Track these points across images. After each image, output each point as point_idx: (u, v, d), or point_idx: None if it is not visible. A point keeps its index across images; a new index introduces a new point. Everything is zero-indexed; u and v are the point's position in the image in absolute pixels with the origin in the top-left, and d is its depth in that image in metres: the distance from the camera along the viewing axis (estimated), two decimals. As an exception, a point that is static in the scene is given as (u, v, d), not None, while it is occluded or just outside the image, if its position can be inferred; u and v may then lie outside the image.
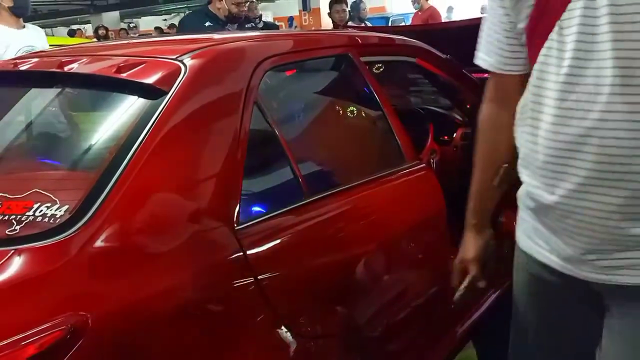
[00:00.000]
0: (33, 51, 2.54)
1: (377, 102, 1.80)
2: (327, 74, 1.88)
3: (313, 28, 10.79)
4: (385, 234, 1.61)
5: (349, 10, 5.62)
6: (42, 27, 3.51)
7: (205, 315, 1.13)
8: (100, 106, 1.54)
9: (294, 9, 13.70)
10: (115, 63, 1.31)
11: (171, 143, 1.18)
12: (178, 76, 1.25)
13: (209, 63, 1.36)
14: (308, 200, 1.41)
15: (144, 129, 1.15)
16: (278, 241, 1.29)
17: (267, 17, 12.67)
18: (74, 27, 12.25)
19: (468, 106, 2.50)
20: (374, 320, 1.57)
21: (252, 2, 6.22)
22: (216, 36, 1.74)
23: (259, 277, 1.20)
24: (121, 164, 1.10)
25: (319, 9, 11.41)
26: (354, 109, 1.95)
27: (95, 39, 11.61)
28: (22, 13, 3.02)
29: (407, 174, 1.76)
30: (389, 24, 11.40)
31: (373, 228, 1.58)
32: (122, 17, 18.36)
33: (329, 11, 5.53)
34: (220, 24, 3.47)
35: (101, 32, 11.66)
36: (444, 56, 2.28)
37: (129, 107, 1.29)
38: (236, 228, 1.19)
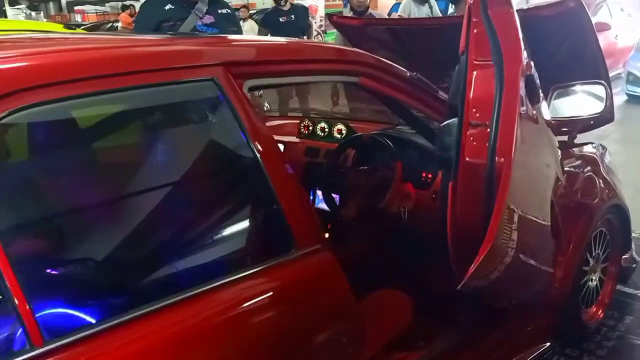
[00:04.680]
0: None
1: (254, 158, 1.15)
2: (158, 115, 1.19)
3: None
4: None
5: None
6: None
7: None
8: None
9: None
10: None
11: None
12: None
13: None
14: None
15: None
16: None
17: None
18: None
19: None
20: None
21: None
22: None
23: None
24: None
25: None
26: (197, 176, 1.20)
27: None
28: None
29: (290, 271, 1.14)
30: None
31: None
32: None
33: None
34: (184, 7, 2.83)
35: (130, 11, 10.84)
36: (408, 74, 1.61)
37: None
38: None
